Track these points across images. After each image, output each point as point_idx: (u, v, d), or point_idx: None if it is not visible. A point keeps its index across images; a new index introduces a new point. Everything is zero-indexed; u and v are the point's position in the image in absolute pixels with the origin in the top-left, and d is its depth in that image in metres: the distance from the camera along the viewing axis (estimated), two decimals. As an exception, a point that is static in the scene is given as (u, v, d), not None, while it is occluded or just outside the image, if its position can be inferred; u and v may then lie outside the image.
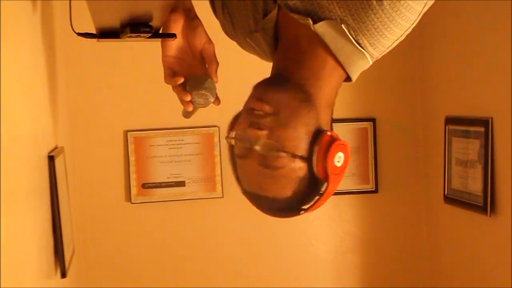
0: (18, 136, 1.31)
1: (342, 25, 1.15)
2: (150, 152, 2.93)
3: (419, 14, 1.14)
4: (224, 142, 2.94)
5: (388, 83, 3.11)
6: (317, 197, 1.22)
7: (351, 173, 3.07)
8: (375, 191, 3.10)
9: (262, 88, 1.22)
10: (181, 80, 1.32)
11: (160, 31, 1.36)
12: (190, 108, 1.35)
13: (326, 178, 1.20)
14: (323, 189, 1.22)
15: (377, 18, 1.13)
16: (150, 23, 1.29)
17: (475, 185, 2.61)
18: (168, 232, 2.99)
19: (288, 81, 1.21)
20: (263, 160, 1.19)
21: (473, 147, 2.63)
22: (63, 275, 1.73)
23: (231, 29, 1.41)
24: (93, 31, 1.38)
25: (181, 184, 2.95)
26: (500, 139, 2.46)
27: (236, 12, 1.37)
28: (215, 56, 1.36)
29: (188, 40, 1.35)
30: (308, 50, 1.21)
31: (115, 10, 1.25)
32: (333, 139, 1.19)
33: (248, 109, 1.22)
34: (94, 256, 2.91)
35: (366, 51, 1.18)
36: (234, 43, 1.47)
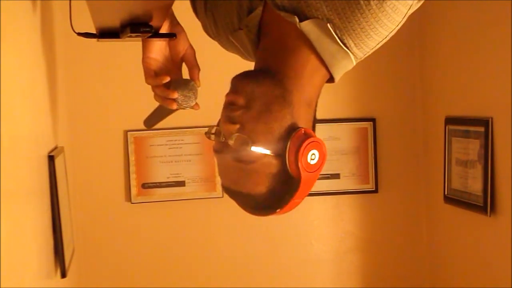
0: (18, 136, 1.31)
1: (328, 25, 1.16)
2: (150, 152, 2.93)
3: (404, 15, 1.15)
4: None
5: (388, 83, 3.11)
6: (291, 196, 1.21)
7: (351, 173, 3.07)
8: (375, 191, 3.10)
9: (238, 80, 1.23)
10: (167, 79, 1.34)
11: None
12: (175, 107, 1.36)
13: (299, 176, 1.19)
14: (297, 187, 1.20)
15: (364, 18, 1.13)
16: (150, 23, 1.29)
17: (475, 185, 2.61)
18: (168, 232, 2.99)
19: (267, 75, 1.21)
20: (236, 155, 1.20)
21: (473, 147, 2.63)
22: (63, 275, 1.73)
23: (213, 27, 1.41)
24: (93, 31, 1.38)
25: (181, 184, 2.95)
26: (500, 139, 2.46)
27: (219, 10, 1.38)
28: (196, 62, 1.38)
29: (170, 45, 1.37)
30: (291, 48, 1.21)
31: (115, 10, 1.25)
32: (306, 136, 1.18)
33: (225, 103, 1.24)
34: (94, 256, 2.92)
35: (350, 51, 1.18)
36: None
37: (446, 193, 2.86)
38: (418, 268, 3.15)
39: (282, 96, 1.19)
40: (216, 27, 1.40)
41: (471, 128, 2.64)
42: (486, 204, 2.51)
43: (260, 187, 1.21)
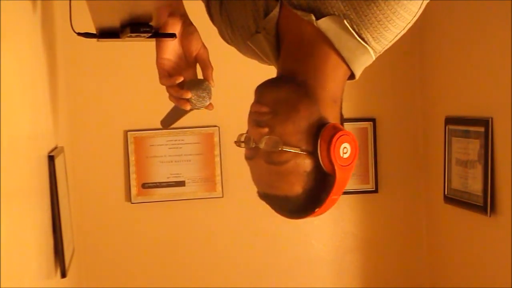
0: (18, 136, 1.31)
1: (345, 21, 1.16)
2: (150, 152, 2.93)
3: (420, 6, 1.15)
4: (224, 142, 2.96)
5: (388, 83, 3.11)
6: (328, 193, 1.21)
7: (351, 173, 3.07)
8: (375, 191, 3.10)
9: (260, 90, 1.24)
10: (181, 79, 1.33)
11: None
12: (188, 107, 1.35)
13: (333, 171, 1.19)
14: (332, 183, 1.20)
15: (380, 11, 1.14)
16: (150, 23, 1.29)
17: (475, 185, 2.61)
18: (168, 232, 2.99)
19: (287, 79, 1.22)
20: (269, 158, 1.19)
21: (473, 147, 2.63)
22: (63, 275, 1.73)
23: (230, 32, 1.41)
24: (93, 31, 1.38)
25: (181, 184, 2.95)
26: (500, 139, 2.46)
27: (235, 14, 1.38)
28: (209, 61, 1.37)
29: (183, 45, 1.36)
30: (311, 47, 1.22)
31: (115, 10, 1.25)
32: (335, 130, 1.19)
33: (250, 112, 1.24)
34: (94, 256, 2.92)
35: (369, 46, 1.19)
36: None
37: (446, 193, 2.86)
38: (418, 268, 3.15)
39: (307, 95, 1.20)
40: (233, 32, 1.40)
41: (471, 128, 2.64)
42: (486, 204, 2.51)
43: (296, 187, 1.20)
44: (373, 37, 1.18)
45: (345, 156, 1.19)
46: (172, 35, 1.34)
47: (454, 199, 2.80)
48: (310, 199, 1.22)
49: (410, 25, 1.18)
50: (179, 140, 2.93)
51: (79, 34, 1.37)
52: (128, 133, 2.91)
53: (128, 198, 2.93)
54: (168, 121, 1.46)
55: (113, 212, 2.95)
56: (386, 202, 3.13)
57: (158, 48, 1.35)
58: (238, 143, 1.25)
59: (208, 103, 1.36)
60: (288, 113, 1.19)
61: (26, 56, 1.46)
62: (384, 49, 1.23)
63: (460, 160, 2.74)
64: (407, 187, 3.14)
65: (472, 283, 2.72)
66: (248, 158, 1.24)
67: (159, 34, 1.34)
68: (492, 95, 2.54)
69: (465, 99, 2.74)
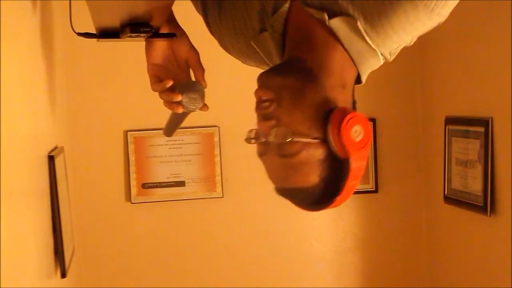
0: (18, 136, 1.31)
1: (358, 23, 1.15)
2: (150, 152, 2.93)
3: (435, 21, 1.16)
4: (224, 142, 2.95)
5: (388, 83, 3.11)
6: (345, 180, 1.16)
7: (351, 173, 3.07)
8: (375, 191, 3.10)
9: (264, 75, 1.20)
10: (170, 83, 1.33)
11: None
12: (180, 110, 1.35)
13: (348, 156, 1.14)
14: (348, 168, 1.15)
15: (390, 24, 1.14)
16: (150, 23, 1.29)
17: (475, 185, 2.61)
18: (168, 232, 2.99)
19: (293, 65, 1.19)
20: (280, 151, 1.16)
21: (473, 147, 2.63)
22: (63, 275, 1.73)
23: (233, 38, 1.40)
24: (93, 31, 1.38)
25: (181, 184, 2.95)
26: (500, 139, 2.46)
27: (237, 18, 1.37)
28: (200, 63, 1.37)
29: (173, 49, 1.37)
30: (319, 44, 1.19)
31: (115, 10, 1.25)
32: (345, 113, 1.14)
33: (256, 102, 1.20)
34: (94, 256, 2.92)
35: (378, 50, 1.18)
36: None
37: (446, 193, 2.86)
38: (418, 268, 3.15)
39: (312, 81, 1.16)
40: (236, 35, 1.38)
41: (471, 128, 2.64)
42: (486, 204, 2.51)
43: (312, 178, 1.16)
44: (383, 43, 1.17)
45: (358, 138, 1.14)
46: (172, 35, 1.35)
47: (454, 199, 2.80)
48: (328, 188, 1.18)
49: (422, 33, 1.18)
50: (179, 140, 2.93)
51: (79, 34, 1.37)
52: (128, 133, 2.91)
53: (128, 198, 2.93)
54: (169, 130, 1.46)
55: (113, 212, 2.95)
56: (386, 202, 3.13)
57: (148, 55, 1.36)
58: (248, 140, 1.20)
59: (201, 105, 1.35)
60: (294, 100, 1.15)
61: (26, 56, 1.46)
62: (391, 57, 1.22)
63: (460, 160, 2.74)
64: (407, 187, 3.14)
65: (472, 283, 2.72)
66: (260, 154, 1.20)
67: (159, 34, 1.34)
68: (492, 95, 2.54)
69: (465, 99, 2.74)
